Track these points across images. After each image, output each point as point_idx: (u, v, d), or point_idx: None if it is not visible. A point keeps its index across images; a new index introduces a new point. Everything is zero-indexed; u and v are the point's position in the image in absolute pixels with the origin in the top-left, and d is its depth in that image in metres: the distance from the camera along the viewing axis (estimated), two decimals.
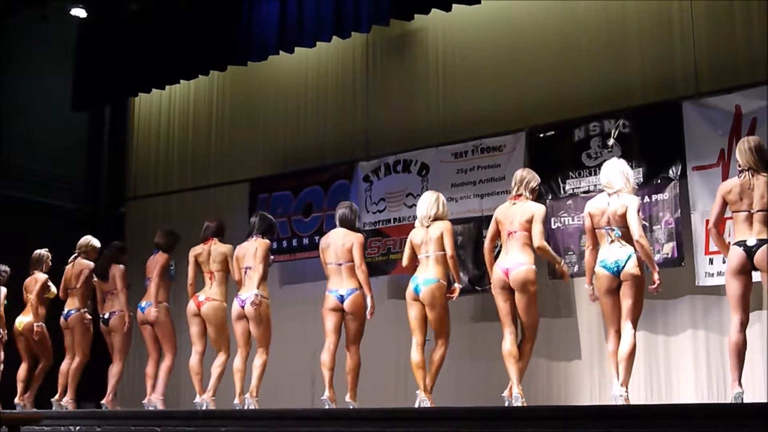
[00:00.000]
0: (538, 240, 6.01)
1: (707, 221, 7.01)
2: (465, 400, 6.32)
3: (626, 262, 5.65)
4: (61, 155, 11.30)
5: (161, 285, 7.78)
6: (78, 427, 7.03)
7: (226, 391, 7.31)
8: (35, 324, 8.29)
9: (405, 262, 6.52)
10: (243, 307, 6.95)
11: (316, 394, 8.79)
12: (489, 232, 6.29)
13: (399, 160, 8.91)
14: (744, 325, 5.29)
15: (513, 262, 5.98)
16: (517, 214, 6.06)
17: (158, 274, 7.76)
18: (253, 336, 7.02)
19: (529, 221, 6.01)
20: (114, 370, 7.98)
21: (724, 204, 5.47)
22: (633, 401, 5.85)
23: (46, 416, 7.17)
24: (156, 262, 7.81)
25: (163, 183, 10.96)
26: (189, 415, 6.94)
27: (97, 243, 8.36)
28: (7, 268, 8.68)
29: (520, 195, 6.14)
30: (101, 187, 11.75)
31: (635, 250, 5.67)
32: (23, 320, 8.42)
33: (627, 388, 5.58)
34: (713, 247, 7.02)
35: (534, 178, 6.22)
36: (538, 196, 6.75)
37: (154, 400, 7.66)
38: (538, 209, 6.07)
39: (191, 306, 7.34)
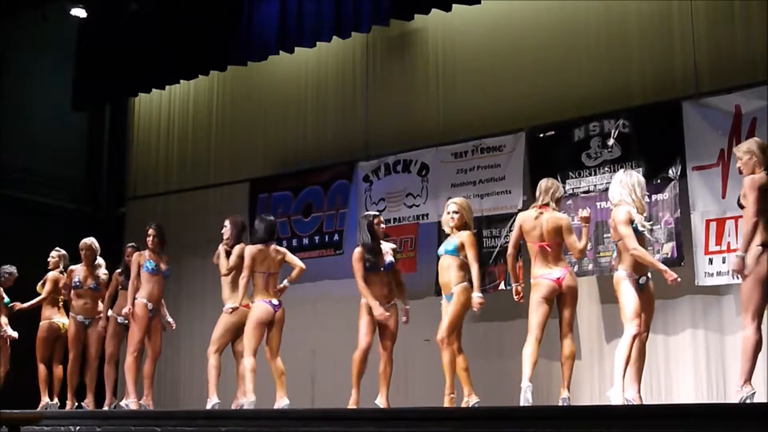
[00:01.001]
0: (578, 250, 6.10)
1: (707, 221, 7.07)
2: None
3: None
4: (61, 155, 11.31)
5: (136, 281, 7.68)
6: (78, 427, 7.02)
7: (229, 391, 7.31)
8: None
9: None
10: (276, 311, 6.92)
11: (316, 394, 8.82)
12: (513, 238, 6.19)
13: (399, 160, 8.91)
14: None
15: (560, 272, 6.01)
16: (545, 225, 6.04)
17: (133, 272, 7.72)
18: (274, 342, 6.96)
19: (559, 233, 6.02)
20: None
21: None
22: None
23: (46, 416, 7.16)
24: None
25: (163, 183, 10.97)
26: (189, 415, 6.93)
27: (84, 243, 8.32)
28: (13, 269, 8.65)
29: (546, 205, 6.12)
30: (101, 187, 11.76)
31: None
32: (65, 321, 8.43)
33: (622, 387, 5.61)
34: (713, 247, 7.04)
35: (559, 189, 6.21)
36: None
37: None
38: (565, 221, 6.07)
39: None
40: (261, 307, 6.89)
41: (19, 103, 10.74)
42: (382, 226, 6.80)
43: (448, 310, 6.24)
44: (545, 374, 7.74)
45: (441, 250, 6.43)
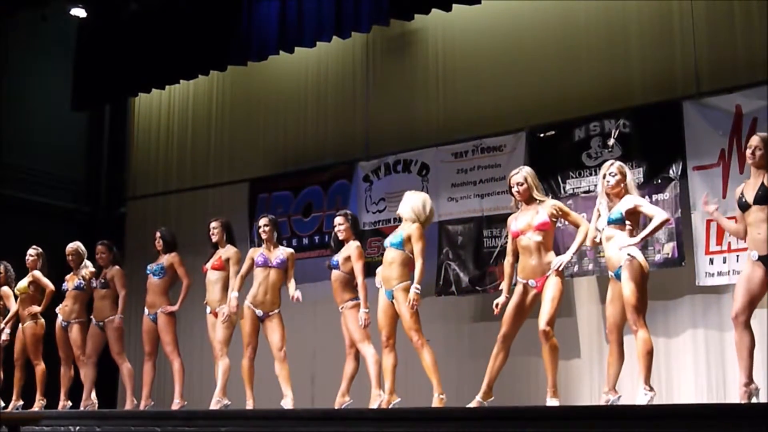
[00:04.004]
0: None
1: (708, 221, 7.07)
2: (465, 400, 6.30)
3: None
4: (61, 155, 11.30)
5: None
6: (78, 427, 7.03)
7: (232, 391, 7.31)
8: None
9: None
10: None
11: (316, 394, 8.82)
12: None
13: (399, 160, 8.91)
14: None
15: None
16: None
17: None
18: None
19: None
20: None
21: None
22: (633, 401, 5.85)
23: (46, 416, 7.16)
24: None
25: (163, 183, 10.96)
26: (189, 415, 6.94)
27: (71, 248, 8.35)
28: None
29: None
30: (101, 187, 11.75)
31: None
32: None
33: (611, 389, 5.71)
34: (713, 247, 7.04)
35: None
36: None
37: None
38: None
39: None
40: None
41: (19, 103, 10.72)
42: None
43: (401, 314, 6.25)
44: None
45: (386, 242, 6.43)
